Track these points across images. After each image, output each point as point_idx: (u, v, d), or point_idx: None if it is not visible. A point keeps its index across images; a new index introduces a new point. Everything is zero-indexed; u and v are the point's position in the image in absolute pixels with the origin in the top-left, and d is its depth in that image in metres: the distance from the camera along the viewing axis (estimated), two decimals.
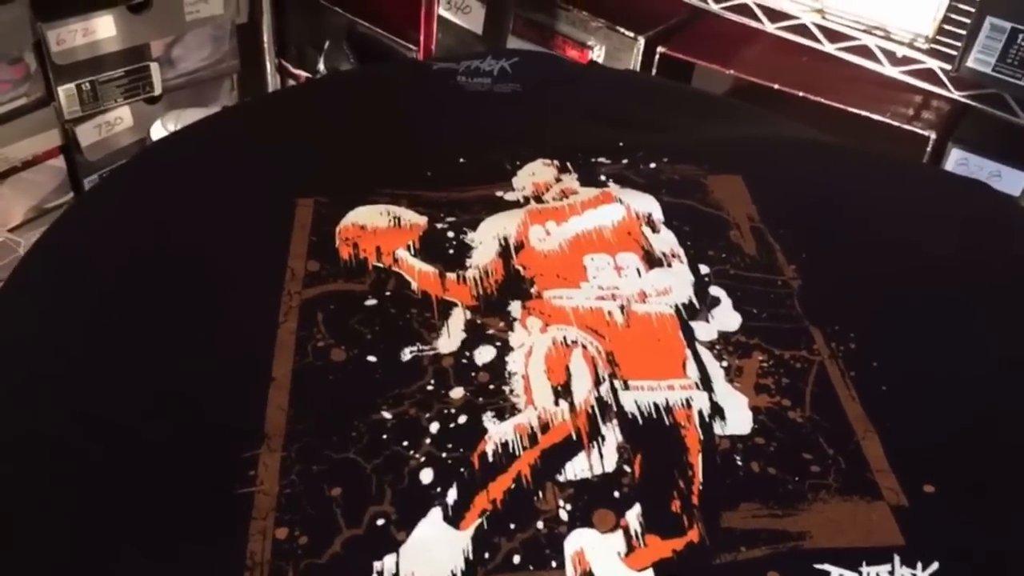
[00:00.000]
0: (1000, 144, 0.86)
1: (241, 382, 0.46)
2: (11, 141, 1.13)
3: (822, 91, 0.92)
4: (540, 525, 0.40)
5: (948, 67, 0.82)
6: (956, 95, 0.82)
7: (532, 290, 0.50)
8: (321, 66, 1.21)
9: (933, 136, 0.87)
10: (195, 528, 0.40)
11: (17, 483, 0.40)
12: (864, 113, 0.90)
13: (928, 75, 0.84)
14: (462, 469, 0.42)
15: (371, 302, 0.50)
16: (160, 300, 0.50)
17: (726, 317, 0.49)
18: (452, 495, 0.41)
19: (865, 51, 0.86)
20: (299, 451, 0.43)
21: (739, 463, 0.42)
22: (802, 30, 0.89)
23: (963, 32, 0.79)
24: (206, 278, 0.51)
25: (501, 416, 0.44)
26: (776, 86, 0.94)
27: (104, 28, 1.15)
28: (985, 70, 0.79)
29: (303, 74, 1.39)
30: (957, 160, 0.87)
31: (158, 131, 1.05)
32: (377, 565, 0.38)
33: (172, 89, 1.27)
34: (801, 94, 0.93)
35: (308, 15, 1.34)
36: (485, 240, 0.54)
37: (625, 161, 0.60)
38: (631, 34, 1.00)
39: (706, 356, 0.47)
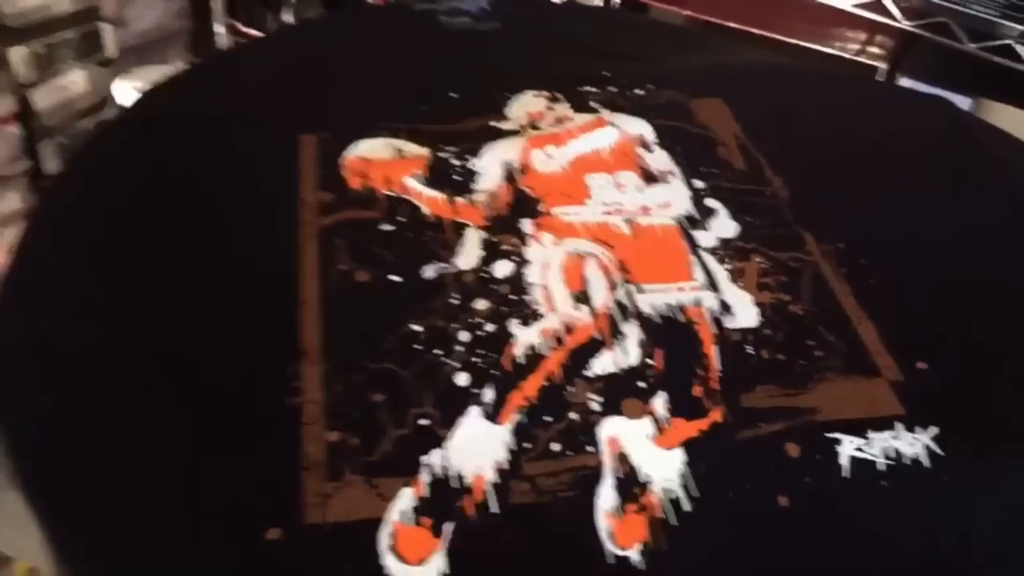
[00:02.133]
0: (946, 72, 0.91)
1: (272, 305, 0.47)
2: None
3: (776, 28, 0.96)
4: (574, 416, 0.43)
5: None
6: (905, 24, 0.87)
7: (540, 208, 0.53)
8: (290, 17, 1.21)
9: (883, 66, 0.92)
10: (253, 436, 0.42)
11: (92, 404, 0.42)
12: (817, 47, 0.94)
13: (877, 7, 0.88)
14: (495, 371, 0.44)
15: (386, 227, 0.52)
16: (179, 238, 0.51)
17: (724, 226, 0.53)
18: (488, 394, 0.43)
19: None
20: (338, 364, 0.45)
21: (750, 352, 0.46)
22: None
23: None
24: (223, 214, 0.53)
25: (526, 323, 0.47)
26: (732, 24, 0.97)
27: None
28: None
29: (254, 33, 1.38)
30: (907, 84, 0.92)
31: (121, 89, 1.04)
32: (426, 460, 0.41)
33: (124, 51, 1.25)
34: (756, 31, 0.96)
35: None
36: (489, 166, 0.56)
37: (612, 89, 0.63)
38: None
39: (710, 261, 0.50)
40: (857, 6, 0.89)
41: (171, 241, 0.50)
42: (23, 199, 1.20)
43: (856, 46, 0.95)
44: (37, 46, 1.14)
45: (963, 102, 0.89)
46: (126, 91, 1.02)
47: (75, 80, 1.20)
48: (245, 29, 1.40)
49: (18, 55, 1.12)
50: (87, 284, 0.48)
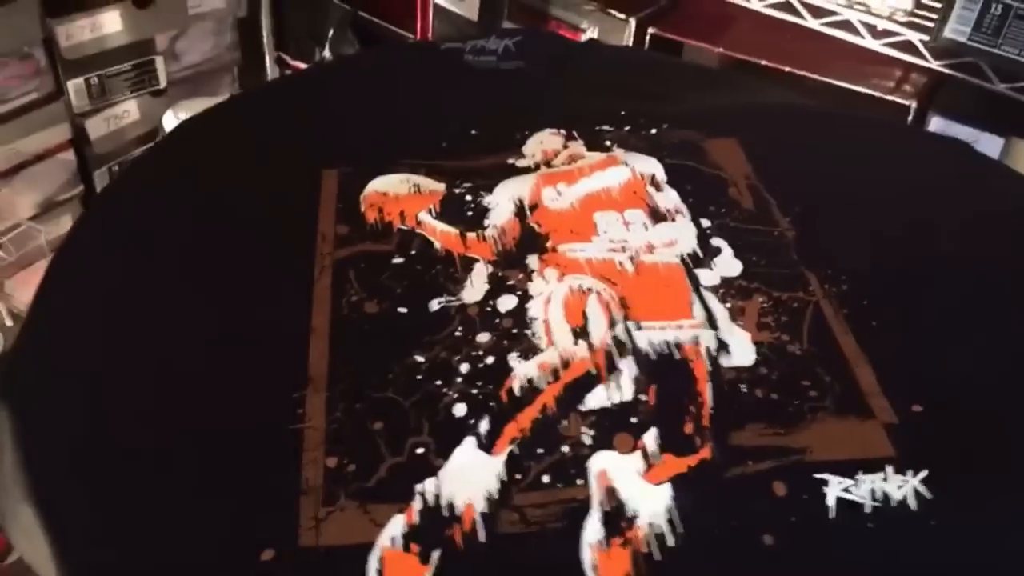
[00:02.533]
0: (978, 111, 0.90)
1: (284, 333, 0.49)
2: (22, 135, 1.16)
3: (807, 66, 0.96)
4: (566, 449, 0.44)
5: (927, 38, 0.86)
6: (934, 65, 0.87)
7: (547, 244, 0.54)
8: (327, 53, 1.25)
9: (914, 105, 0.91)
10: (254, 460, 0.43)
11: (103, 421, 0.44)
12: (848, 85, 0.94)
13: (907, 47, 0.88)
14: (492, 403, 0.46)
15: (398, 260, 0.54)
16: (201, 264, 0.54)
17: (728, 264, 0.53)
18: (484, 425, 0.45)
19: (847, 25, 0.91)
20: (342, 392, 0.46)
21: (744, 390, 0.46)
22: (787, 7, 0.93)
23: (940, 4, 0.84)
24: (243, 243, 0.55)
25: (525, 356, 0.48)
26: (763, 62, 0.98)
27: (110, 23, 1.18)
28: (961, 39, 0.83)
29: (302, 66, 1.42)
30: (937, 128, 0.92)
31: (170, 120, 1.08)
32: (419, 487, 0.42)
33: (176, 82, 1.30)
34: (787, 69, 0.97)
35: (306, 9, 1.37)
36: (501, 202, 0.58)
37: (628, 128, 0.64)
38: (622, 16, 1.04)
39: (711, 299, 0.51)
40: (886, 45, 0.89)
41: (190, 268, 0.53)
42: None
43: (888, 85, 0.95)
44: (92, 77, 1.19)
45: (995, 142, 0.89)
46: (174, 122, 1.07)
47: (128, 110, 1.25)
48: (293, 62, 1.44)
49: (74, 86, 1.17)
50: (106, 304, 0.50)
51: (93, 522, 0.41)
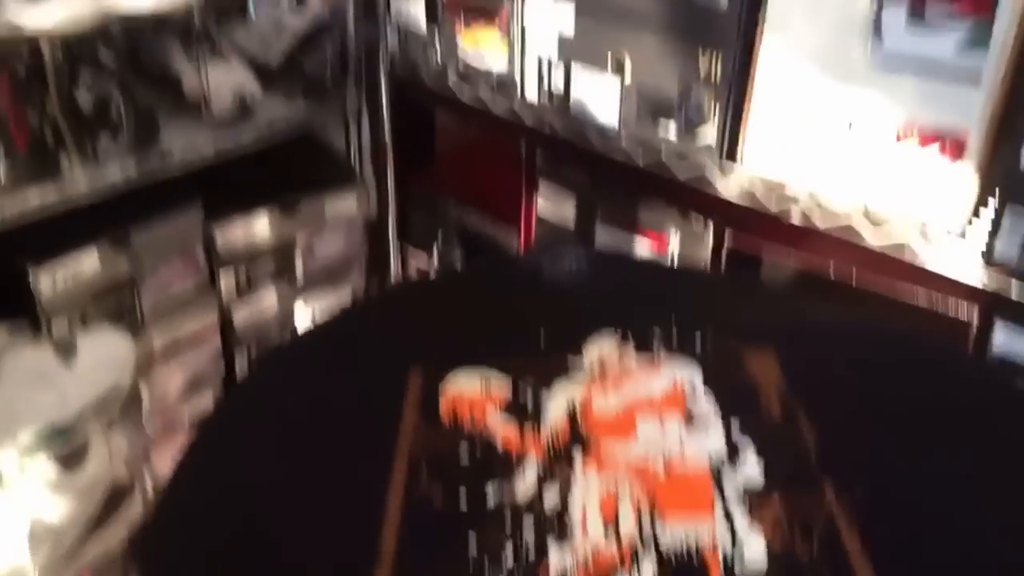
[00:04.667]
0: None
1: (361, 515, 0.59)
2: (178, 320, 1.34)
3: (872, 281, 1.03)
4: None
5: (979, 255, 0.92)
6: (990, 283, 0.92)
7: (592, 444, 0.63)
8: (435, 258, 1.41)
9: (975, 323, 0.96)
10: None
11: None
12: (911, 302, 1.00)
13: (963, 265, 0.94)
14: None
15: (464, 454, 0.63)
16: (299, 451, 0.65)
17: (750, 468, 0.60)
18: None
19: (906, 247, 0.98)
20: (404, 571, 0.55)
21: None
22: (850, 229, 1.02)
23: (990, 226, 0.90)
24: (342, 433, 0.66)
25: (560, 539, 0.56)
26: (832, 277, 1.06)
27: (260, 225, 1.38)
28: (1013, 256, 0.89)
29: (421, 254, 1.59)
30: (1001, 343, 0.96)
31: (301, 309, 1.23)
32: None
33: (310, 273, 1.48)
34: (854, 284, 1.04)
35: (426, 210, 1.55)
36: (556, 402, 0.67)
37: (674, 333, 0.73)
38: (700, 226, 1.15)
39: (732, 503, 0.58)
40: (942, 262, 0.95)
41: (292, 453, 0.64)
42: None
43: (948, 302, 1.00)
44: (241, 270, 1.38)
45: None
46: (304, 311, 1.22)
47: (268, 299, 1.43)
48: (414, 250, 1.61)
49: (225, 278, 1.36)
50: (226, 479, 0.62)
51: None
